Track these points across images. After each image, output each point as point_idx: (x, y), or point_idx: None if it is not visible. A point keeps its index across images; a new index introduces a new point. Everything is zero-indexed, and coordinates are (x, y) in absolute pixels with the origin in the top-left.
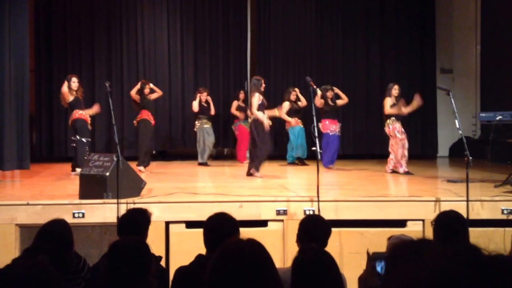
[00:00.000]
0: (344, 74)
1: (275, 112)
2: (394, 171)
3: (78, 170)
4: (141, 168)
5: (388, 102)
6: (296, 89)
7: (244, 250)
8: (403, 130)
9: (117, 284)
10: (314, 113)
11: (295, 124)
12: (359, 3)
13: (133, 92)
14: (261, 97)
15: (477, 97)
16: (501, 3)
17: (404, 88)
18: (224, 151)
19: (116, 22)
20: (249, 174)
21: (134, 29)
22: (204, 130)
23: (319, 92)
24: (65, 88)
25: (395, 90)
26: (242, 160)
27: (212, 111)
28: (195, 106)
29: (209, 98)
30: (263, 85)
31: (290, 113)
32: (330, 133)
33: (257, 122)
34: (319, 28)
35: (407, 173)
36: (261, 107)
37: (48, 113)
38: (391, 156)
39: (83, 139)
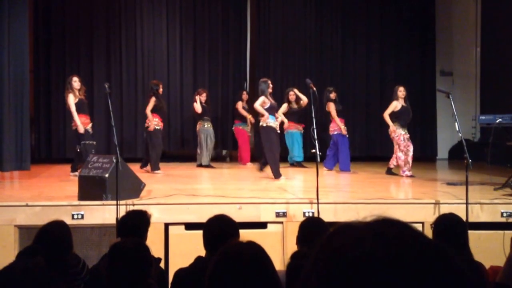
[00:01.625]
0: (343, 76)
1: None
2: (392, 172)
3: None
4: (158, 171)
5: (392, 106)
6: (295, 90)
7: (244, 253)
8: (408, 137)
9: (117, 286)
10: (313, 115)
11: (287, 128)
12: (359, 5)
13: (150, 108)
14: (267, 100)
15: (476, 100)
16: (501, 5)
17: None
18: (223, 152)
19: (115, 23)
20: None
21: (133, 30)
22: (207, 132)
23: (330, 102)
24: (70, 99)
25: (401, 92)
26: (244, 162)
27: None
28: (198, 107)
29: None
30: (270, 86)
31: (287, 115)
32: (344, 133)
33: (266, 129)
34: (318, 30)
35: (409, 176)
36: (270, 110)
37: (47, 114)
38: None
39: (89, 142)
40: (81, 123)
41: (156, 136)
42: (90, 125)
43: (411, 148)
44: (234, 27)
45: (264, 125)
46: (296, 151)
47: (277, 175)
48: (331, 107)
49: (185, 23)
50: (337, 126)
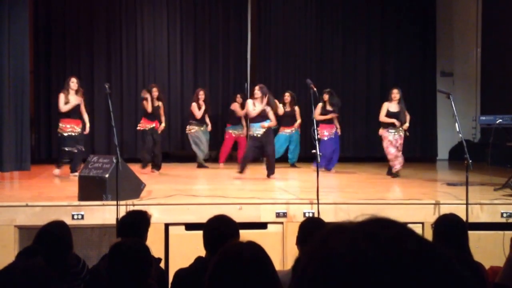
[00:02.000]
0: (344, 77)
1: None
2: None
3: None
4: (144, 171)
5: (384, 108)
6: (287, 94)
7: (244, 253)
8: (397, 136)
9: (117, 286)
10: (313, 116)
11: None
12: (360, 6)
13: (148, 106)
14: (252, 104)
15: (477, 100)
16: (502, 6)
17: (404, 91)
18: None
19: (116, 24)
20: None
21: (133, 31)
22: (193, 135)
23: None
24: (60, 98)
25: (393, 94)
26: (220, 161)
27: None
28: (199, 114)
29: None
30: (255, 91)
31: (281, 116)
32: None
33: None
34: (319, 31)
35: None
36: (255, 116)
37: (47, 114)
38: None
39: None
40: (68, 128)
41: (142, 137)
42: (78, 130)
43: (388, 149)
44: (235, 28)
45: None
46: (290, 153)
47: (239, 170)
48: (317, 109)
49: (185, 24)
50: (322, 131)
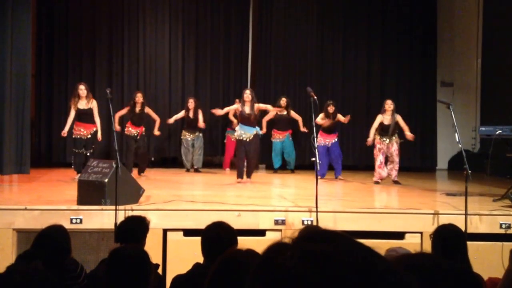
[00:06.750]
0: (344, 86)
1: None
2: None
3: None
4: None
5: (377, 121)
6: (284, 99)
7: (242, 261)
8: (380, 147)
9: None
10: (314, 124)
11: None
12: (361, 15)
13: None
14: (238, 106)
15: (477, 111)
16: (503, 17)
17: (404, 101)
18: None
19: (118, 29)
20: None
21: (135, 37)
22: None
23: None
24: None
25: (387, 104)
26: (225, 167)
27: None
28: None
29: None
30: (245, 94)
31: (277, 120)
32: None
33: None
34: (320, 39)
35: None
36: (239, 117)
37: (48, 118)
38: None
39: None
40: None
41: (126, 141)
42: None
43: (378, 157)
44: (236, 37)
45: None
46: (273, 158)
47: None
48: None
49: (187, 30)
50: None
